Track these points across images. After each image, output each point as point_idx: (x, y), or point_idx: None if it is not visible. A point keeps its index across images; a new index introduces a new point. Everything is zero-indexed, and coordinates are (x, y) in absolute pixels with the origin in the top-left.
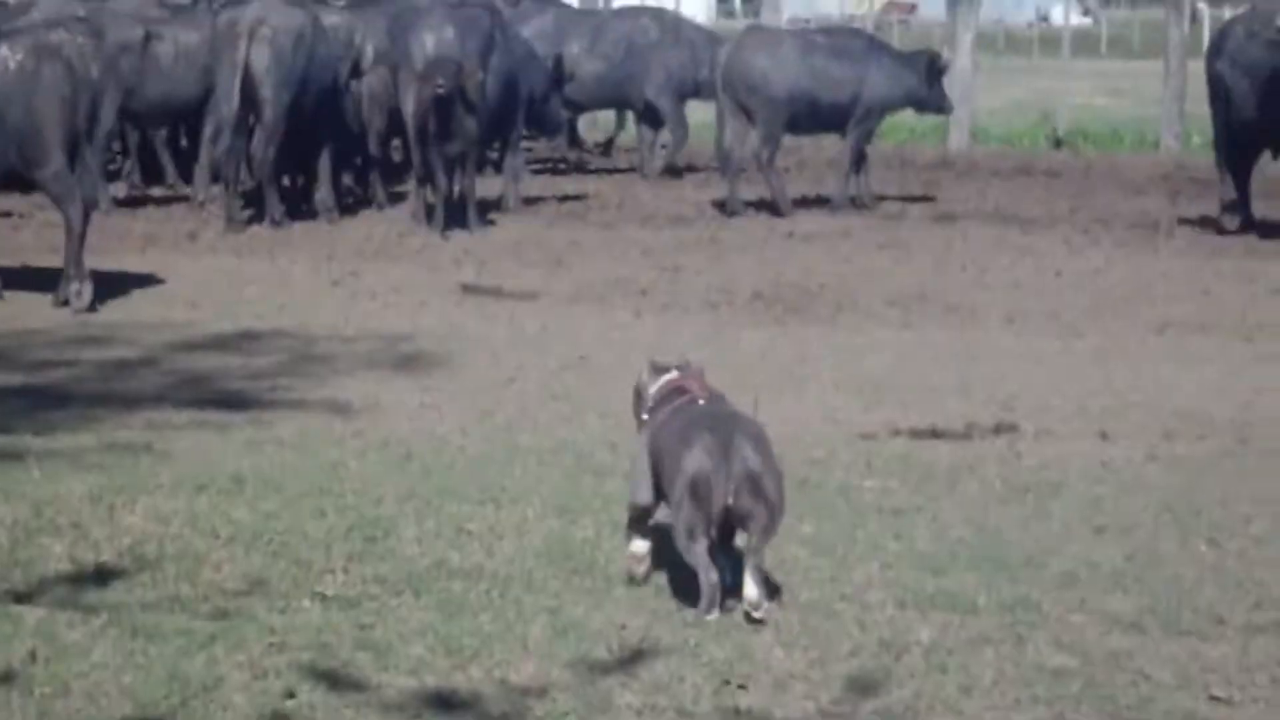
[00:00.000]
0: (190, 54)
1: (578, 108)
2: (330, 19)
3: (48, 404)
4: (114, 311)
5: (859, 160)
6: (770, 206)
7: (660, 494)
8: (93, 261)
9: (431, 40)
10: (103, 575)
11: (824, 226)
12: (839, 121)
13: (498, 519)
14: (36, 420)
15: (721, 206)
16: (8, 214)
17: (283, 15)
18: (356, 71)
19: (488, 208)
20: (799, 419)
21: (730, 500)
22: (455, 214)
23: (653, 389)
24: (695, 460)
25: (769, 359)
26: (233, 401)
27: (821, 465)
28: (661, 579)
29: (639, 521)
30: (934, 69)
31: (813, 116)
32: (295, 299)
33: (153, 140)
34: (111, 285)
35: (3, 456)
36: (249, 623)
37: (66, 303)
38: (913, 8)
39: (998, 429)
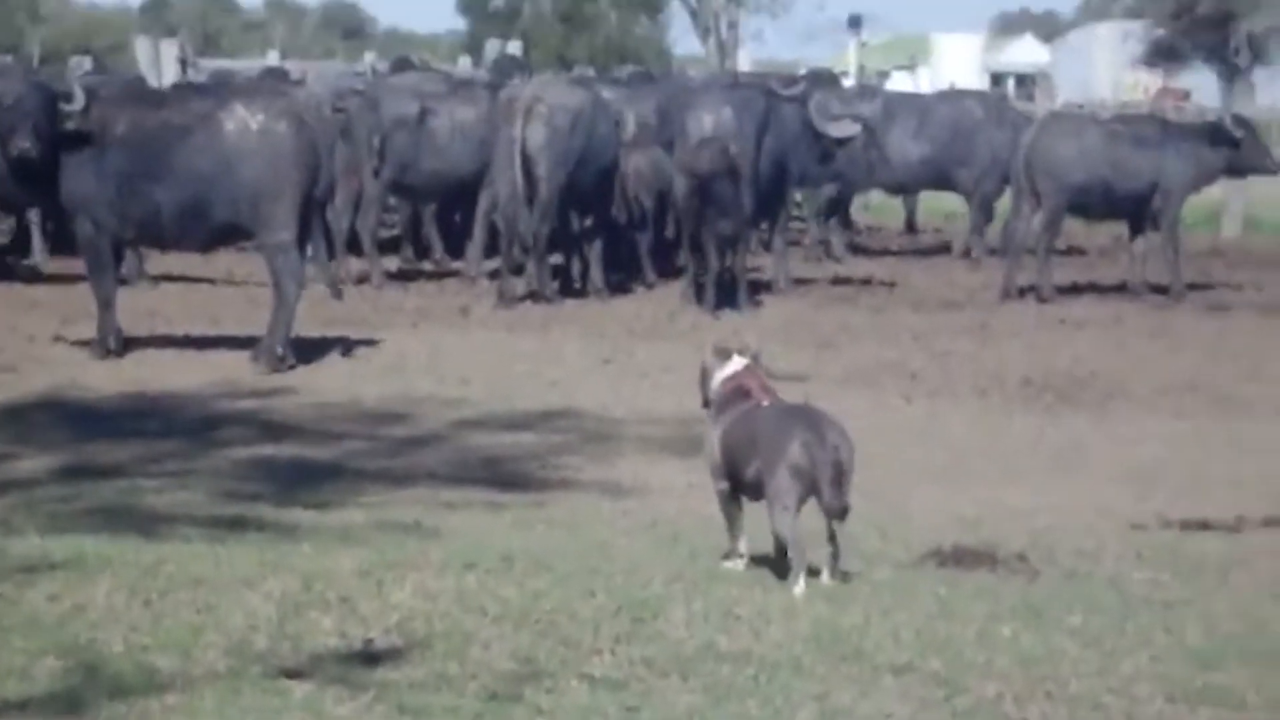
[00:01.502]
0: (465, 130)
1: (901, 189)
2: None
3: (319, 478)
4: (386, 386)
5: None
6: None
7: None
8: (366, 334)
9: (709, 120)
10: (371, 652)
11: (1095, 313)
12: (1133, 209)
13: (766, 602)
14: (308, 494)
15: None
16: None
17: (560, 93)
18: None
19: (757, 288)
20: (1068, 508)
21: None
22: (725, 293)
23: (718, 377)
24: (796, 452)
25: (1038, 446)
26: (503, 479)
27: (1090, 556)
28: (929, 667)
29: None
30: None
31: (1107, 203)
32: (566, 376)
33: (422, 215)
34: (383, 359)
35: (274, 530)
36: (515, 702)
37: (276, 364)
38: (1186, 94)
39: (1268, 522)
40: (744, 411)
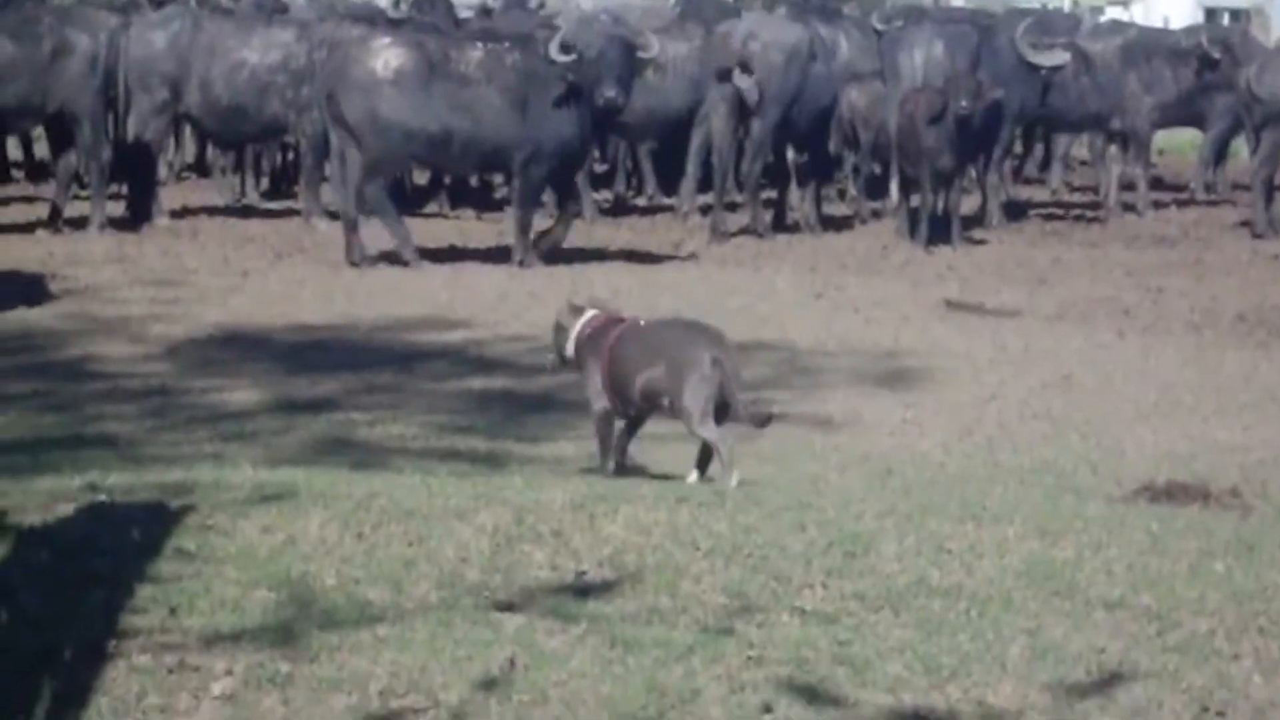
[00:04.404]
0: (678, 66)
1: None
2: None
3: (531, 410)
4: None
5: None
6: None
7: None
8: (578, 268)
9: (920, 55)
10: (582, 585)
11: None
12: None
13: (978, 537)
14: (520, 427)
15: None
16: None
17: (775, 30)
18: None
19: (971, 224)
20: None
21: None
22: (939, 229)
23: (576, 327)
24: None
25: (1251, 382)
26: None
27: None
28: (1141, 602)
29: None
30: None
31: None
32: (778, 311)
33: (636, 151)
34: (596, 294)
35: (486, 462)
36: (727, 636)
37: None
38: None
39: None
40: (623, 330)
